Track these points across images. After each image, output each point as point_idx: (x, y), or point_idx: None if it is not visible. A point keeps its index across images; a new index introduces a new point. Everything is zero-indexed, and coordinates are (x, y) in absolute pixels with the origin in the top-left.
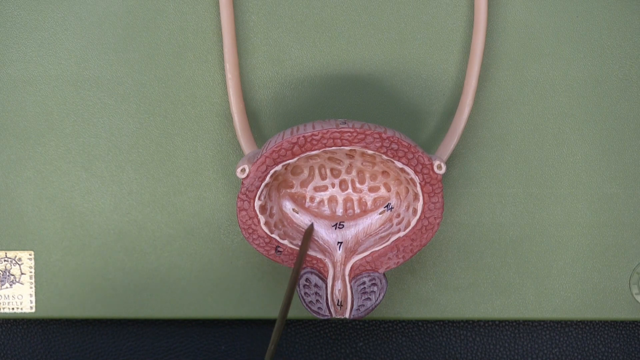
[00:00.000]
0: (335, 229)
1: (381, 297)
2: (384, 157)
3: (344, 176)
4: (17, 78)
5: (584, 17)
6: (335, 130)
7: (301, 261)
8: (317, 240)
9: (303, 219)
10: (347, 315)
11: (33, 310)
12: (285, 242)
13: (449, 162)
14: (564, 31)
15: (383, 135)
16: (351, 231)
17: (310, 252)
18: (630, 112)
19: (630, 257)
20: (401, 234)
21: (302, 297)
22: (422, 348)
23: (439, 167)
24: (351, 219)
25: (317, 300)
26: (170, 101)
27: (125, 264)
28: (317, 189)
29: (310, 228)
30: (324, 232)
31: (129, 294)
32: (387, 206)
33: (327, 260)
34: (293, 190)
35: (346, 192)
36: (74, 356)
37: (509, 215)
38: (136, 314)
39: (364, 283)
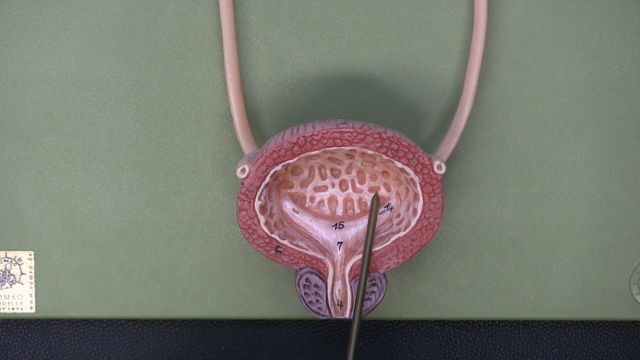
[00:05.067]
0: (335, 229)
1: (381, 297)
2: (384, 157)
3: (344, 176)
4: (17, 78)
5: (584, 17)
6: (335, 130)
7: (372, 238)
8: (317, 240)
9: (303, 219)
10: (347, 315)
11: (33, 310)
12: (285, 242)
13: (449, 162)
14: (564, 31)
15: (383, 135)
16: (351, 231)
17: (310, 252)
18: (630, 112)
19: (630, 257)
20: (401, 234)
21: (302, 297)
22: (422, 348)
23: (439, 167)
24: (351, 219)
25: (317, 300)
26: (170, 101)
27: (125, 264)
28: (317, 189)
29: (376, 199)
30: (324, 232)
31: (129, 294)
32: (387, 206)
33: (327, 261)
34: (293, 190)
35: (346, 192)
36: (74, 356)
37: (509, 215)
38: (136, 314)
39: None
